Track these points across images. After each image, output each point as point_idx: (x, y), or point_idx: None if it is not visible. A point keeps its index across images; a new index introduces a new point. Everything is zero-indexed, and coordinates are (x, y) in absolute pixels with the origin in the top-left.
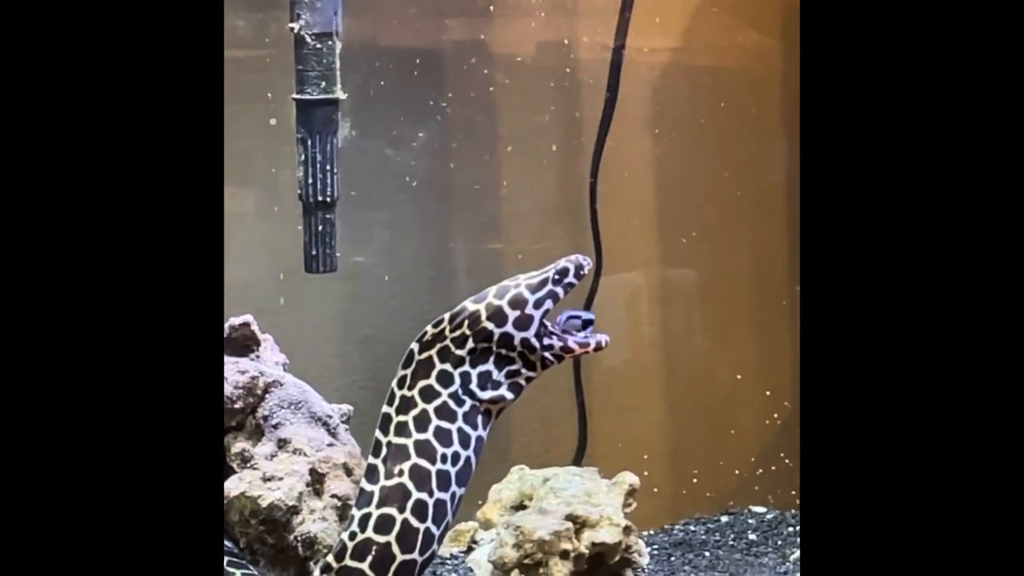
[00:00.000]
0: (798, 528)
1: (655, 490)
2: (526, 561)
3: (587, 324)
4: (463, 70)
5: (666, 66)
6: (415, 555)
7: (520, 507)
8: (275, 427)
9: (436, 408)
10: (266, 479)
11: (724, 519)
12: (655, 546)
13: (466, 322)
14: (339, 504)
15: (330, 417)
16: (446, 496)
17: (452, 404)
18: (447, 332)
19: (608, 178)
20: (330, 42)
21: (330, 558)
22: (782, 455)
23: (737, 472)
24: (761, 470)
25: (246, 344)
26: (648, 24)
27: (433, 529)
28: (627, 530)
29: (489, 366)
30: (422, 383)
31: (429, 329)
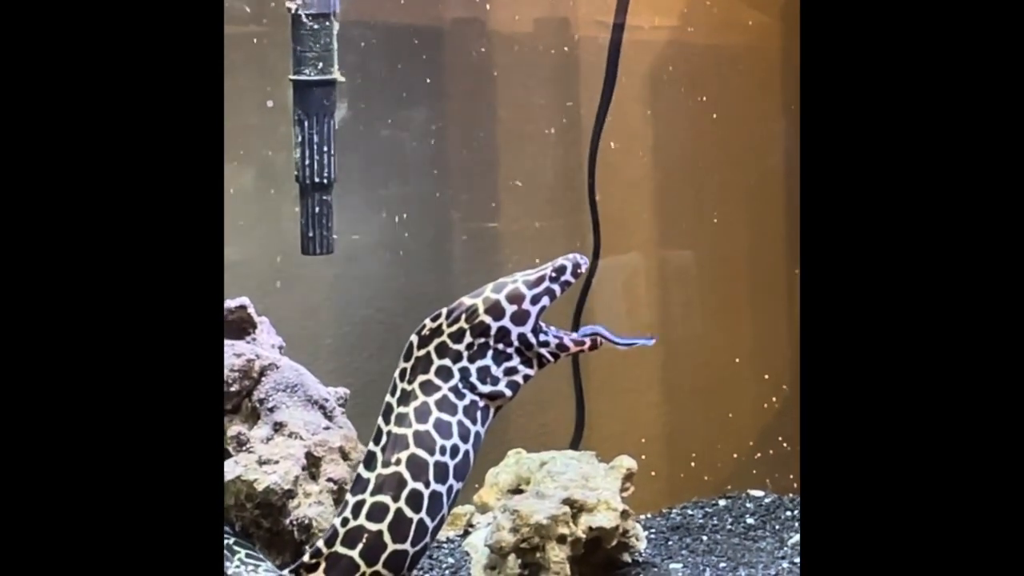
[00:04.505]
0: (796, 512)
1: (653, 474)
2: (523, 545)
3: None
4: (461, 49)
5: (666, 45)
6: (407, 545)
7: (517, 491)
8: (271, 410)
9: (437, 401)
10: (262, 463)
11: (722, 503)
12: (652, 530)
13: (463, 316)
14: (335, 488)
15: (326, 400)
16: (443, 489)
17: (453, 397)
18: (444, 327)
19: (607, 158)
20: (328, 22)
21: (320, 543)
22: (780, 439)
23: (735, 456)
24: (759, 454)
25: (242, 327)
26: (648, 2)
27: (427, 521)
28: (624, 514)
29: (487, 361)
30: (421, 377)
31: (427, 323)
